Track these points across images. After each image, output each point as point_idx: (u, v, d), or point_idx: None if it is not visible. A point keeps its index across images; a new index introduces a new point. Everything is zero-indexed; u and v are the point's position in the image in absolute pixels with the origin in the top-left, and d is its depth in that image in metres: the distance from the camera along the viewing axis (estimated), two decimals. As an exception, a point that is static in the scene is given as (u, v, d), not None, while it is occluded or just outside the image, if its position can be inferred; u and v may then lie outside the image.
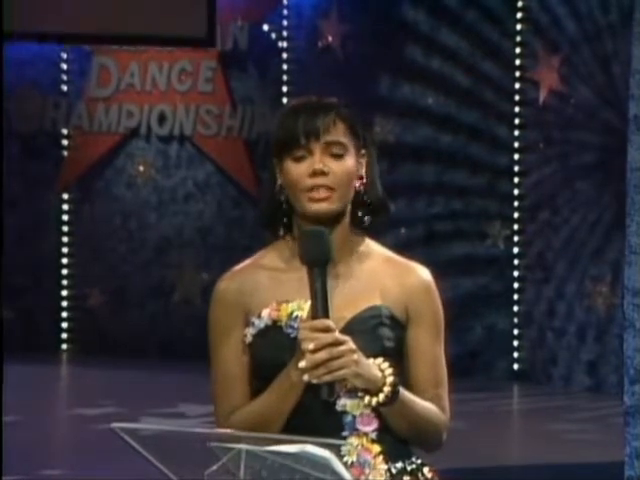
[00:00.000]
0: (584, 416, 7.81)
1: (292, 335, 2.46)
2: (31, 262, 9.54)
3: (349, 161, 2.49)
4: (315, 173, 2.45)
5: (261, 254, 2.54)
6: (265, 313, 2.48)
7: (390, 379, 2.43)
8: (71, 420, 7.92)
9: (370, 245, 2.55)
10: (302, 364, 2.37)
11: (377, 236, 2.59)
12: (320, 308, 2.40)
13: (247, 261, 2.54)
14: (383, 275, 2.52)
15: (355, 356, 2.39)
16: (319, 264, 2.40)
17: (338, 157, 2.47)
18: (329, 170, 2.46)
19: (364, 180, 2.51)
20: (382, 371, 2.43)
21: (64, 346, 9.63)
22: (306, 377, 2.38)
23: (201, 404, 7.18)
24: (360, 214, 2.51)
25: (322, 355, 2.37)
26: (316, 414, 2.44)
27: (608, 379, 8.32)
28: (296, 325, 2.46)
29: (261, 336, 2.48)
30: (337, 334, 2.40)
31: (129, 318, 9.49)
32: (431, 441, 2.53)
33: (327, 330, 2.39)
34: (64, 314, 9.62)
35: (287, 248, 2.52)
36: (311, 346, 2.37)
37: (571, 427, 7.59)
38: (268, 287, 2.49)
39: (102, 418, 7.29)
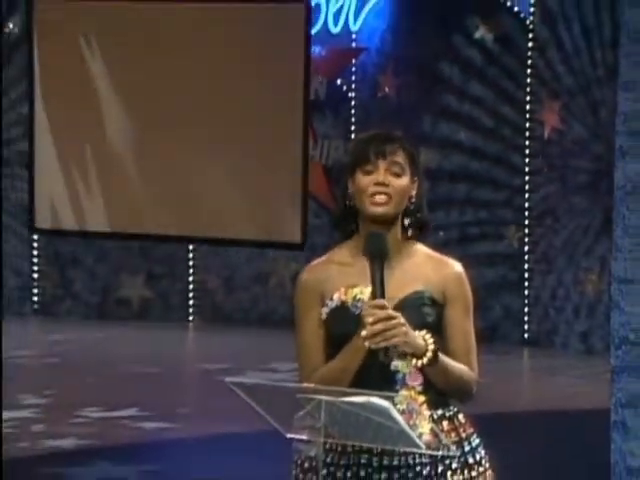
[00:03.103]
0: (579, 373, 7.69)
1: (356, 313, 2.44)
2: (167, 257, 9.58)
3: (405, 180, 2.47)
4: (378, 183, 2.44)
5: (332, 252, 2.53)
6: (336, 296, 2.47)
7: (431, 346, 2.40)
8: (196, 372, 7.94)
9: (416, 245, 2.52)
10: (364, 333, 2.36)
11: (423, 239, 2.57)
12: (378, 291, 2.38)
13: (322, 257, 2.53)
14: (425, 267, 2.49)
15: (404, 328, 2.37)
16: (378, 258, 2.39)
17: (397, 175, 2.46)
18: (389, 183, 2.45)
19: (413, 200, 2.48)
20: (425, 340, 2.40)
21: (190, 318, 9.66)
22: (367, 343, 2.36)
23: (290, 362, 7.17)
24: (407, 225, 2.49)
25: (379, 326, 2.35)
26: (375, 373, 2.41)
27: (597, 345, 8.21)
28: (359, 305, 2.45)
29: (333, 314, 2.47)
30: (390, 311, 2.38)
31: (238, 297, 9.50)
32: (464, 394, 2.49)
33: (383, 308, 2.38)
34: (190, 294, 9.65)
35: (352, 247, 2.50)
36: (370, 319, 2.36)
37: (569, 381, 7.48)
38: (338, 277, 2.47)
39: (219, 371, 7.30)
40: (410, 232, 2.50)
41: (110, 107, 7.90)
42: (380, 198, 2.43)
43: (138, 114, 7.84)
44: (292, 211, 7.44)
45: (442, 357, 2.42)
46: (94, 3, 7.76)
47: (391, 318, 2.35)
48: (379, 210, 2.44)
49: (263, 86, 7.52)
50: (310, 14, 7.63)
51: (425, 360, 2.39)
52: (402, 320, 2.36)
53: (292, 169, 7.43)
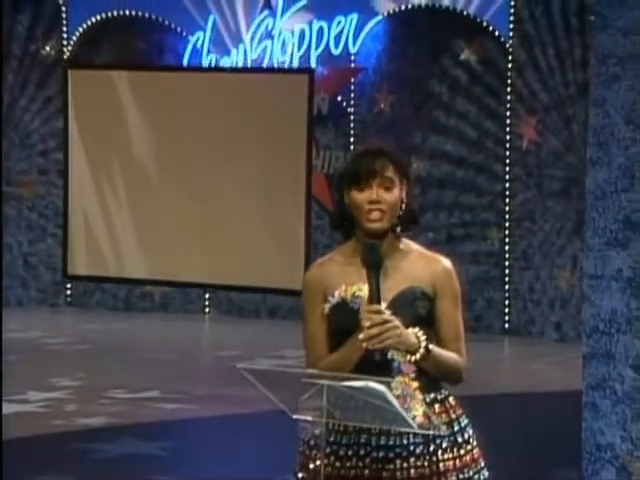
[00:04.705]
0: (553, 360, 7.67)
1: (354, 308, 2.42)
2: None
3: (396, 192, 2.45)
4: (372, 201, 2.42)
5: (334, 252, 2.52)
6: (337, 293, 2.45)
7: (424, 344, 2.39)
8: (211, 359, 7.93)
9: (408, 244, 2.50)
10: (361, 336, 2.34)
11: (414, 238, 2.56)
12: (374, 297, 2.36)
13: (324, 257, 2.52)
14: (418, 265, 2.47)
15: (398, 330, 2.35)
16: (374, 267, 2.37)
17: (388, 189, 2.44)
18: (382, 199, 2.43)
19: (404, 200, 2.47)
20: (418, 338, 2.38)
21: (206, 310, 9.64)
22: (364, 345, 2.34)
23: (296, 349, 7.15)
24: (398, 224, 2.47)
25: (375, 330, 2.34)
26: (373, 363, 2.38)
27: (569, 334, 8.20)
28: (357, 301, 2.43)
29: (334, 308, 2.45)
30: (386, 315, 2.35)
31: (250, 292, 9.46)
32: (454, 379, 2.47)
33: (379, 313, 2.35)
34: (209, 289, 9.61)
35: (351, 249, 2.49)
36: (367, 324, 2.34)
37: (545, 367, 7.47)
38: (339, 275, 2.46)
39: (231, 358, 7.29)
40: (401, 226, 2.47)
41: (136, 127, 7.97)
42: (375, 215, 2.41)
43: (160, 142, 7.92)
44: (296, 261, 7.53)
45: (434, 350, 2.40)
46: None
47: (386, 322, 2.33)
48: (375, 226, 2.42)
49: (270, 144, 7.64)
50: (313, 83, 7.70)
51: (418, 356, 2.38)
52: (396, 323, 2.34)
53: (296, 233, 7.59)
